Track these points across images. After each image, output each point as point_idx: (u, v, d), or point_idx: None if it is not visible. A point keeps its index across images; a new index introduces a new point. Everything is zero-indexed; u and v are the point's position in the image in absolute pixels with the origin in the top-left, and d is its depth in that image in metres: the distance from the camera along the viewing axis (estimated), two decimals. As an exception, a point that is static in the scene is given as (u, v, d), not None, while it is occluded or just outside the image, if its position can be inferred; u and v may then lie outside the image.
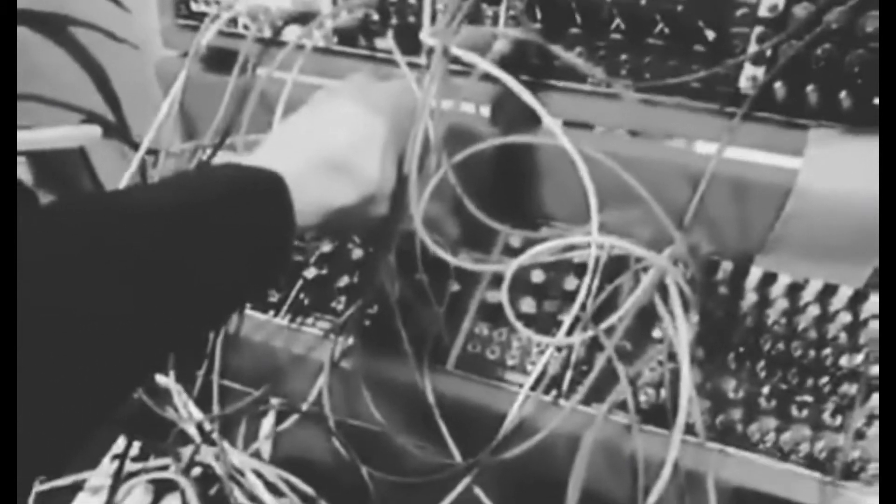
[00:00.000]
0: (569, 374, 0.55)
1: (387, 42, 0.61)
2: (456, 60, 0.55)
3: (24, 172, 0.97)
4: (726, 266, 0.59)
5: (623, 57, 0.56)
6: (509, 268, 0.49)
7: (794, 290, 0.57)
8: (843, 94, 0.51)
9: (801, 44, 0.50)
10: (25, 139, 0.90)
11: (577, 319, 0.55)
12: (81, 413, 0.30)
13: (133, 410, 0.62)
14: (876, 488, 0.48)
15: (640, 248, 0.51)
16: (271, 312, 0.61)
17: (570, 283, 0.59)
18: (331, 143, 0.46)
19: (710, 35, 0.52)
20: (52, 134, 0.95)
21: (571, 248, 0.56)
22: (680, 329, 0.48)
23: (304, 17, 0.63)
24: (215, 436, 0.56)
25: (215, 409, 0.55)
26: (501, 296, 0.52)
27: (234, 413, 0.57)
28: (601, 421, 0.49)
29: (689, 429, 0.49)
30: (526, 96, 0.49)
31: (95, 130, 0.99)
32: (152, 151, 0.68)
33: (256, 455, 0.65)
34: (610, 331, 0.52)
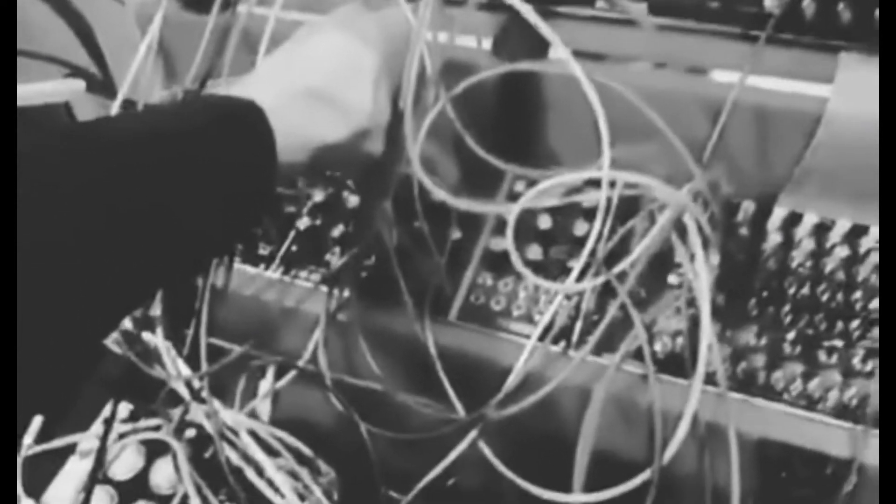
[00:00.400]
0: (579, 324, 0.52)
1: (377, -30, 0.57)
2: (454, -12, 0.51)
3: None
4: (748, 206, 0.55)
5: (635, -22, 0.51)
6: (514, 209, 0.45)
7: (821, 230, 0.53)
8: (877, 11, 0.46)
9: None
10: (7, 95, 0.86)
11: (587, 265, 0.51)
12: (71, 345, 0.30)
13: (121, 371, 0.59)
14: (911, 438, 0.45)
15: (659, 183, 0.48)
16: (262, 266, 0.58)
17: (579, 227, 0.56)
18: (315, 74, 0.42)
19: (732, -51, 0.47)
20: (36, 89, 0.91)
21: (580, 190, 0.52)
22: (700, 271, 0.45)
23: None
24: (205, 394, 0.53)
25: (203, 366, 0.52)
26: (506, 241, 0.49)
27: (224, 369, 0.54)
28: (613, 371, 0.46)
29: (709, 378, 0.45)
30: (533, 18, 0.45)
31: (79, 84, 0.94)
32: (132, 103, 0.64)
33: (253, 414, 0.63)
34: (623, 276, 0.48)
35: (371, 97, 0.43)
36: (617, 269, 0.47)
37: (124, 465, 0.61)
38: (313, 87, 0.41)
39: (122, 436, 0.58)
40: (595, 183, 0.48)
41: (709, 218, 0.48)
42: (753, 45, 0.49)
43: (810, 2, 0.47)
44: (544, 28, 0.44)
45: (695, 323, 0.46)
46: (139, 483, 0.61)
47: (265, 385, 0.65)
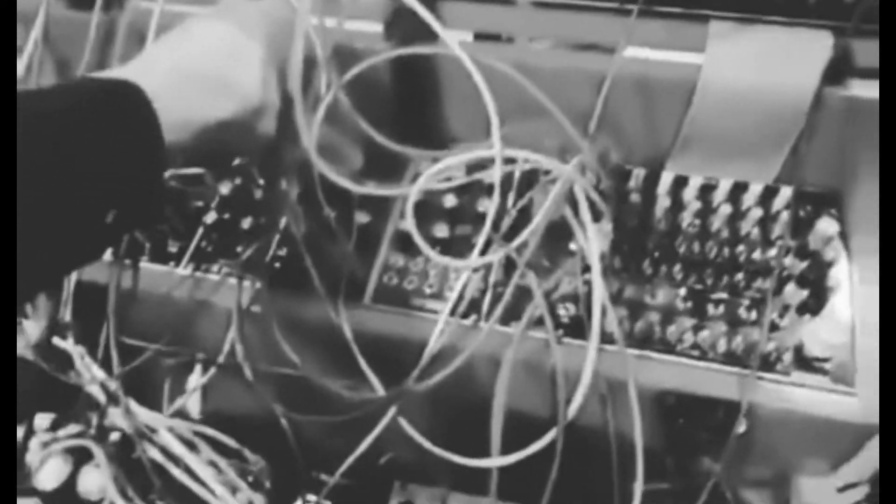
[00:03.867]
0: (488, 297, 0.54)
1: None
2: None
3: None
4: (638, 173, 0.58)
5: (516, -42, 0.53)
6: (412, 191, 0.47)
7: (706, 190, 0.57)
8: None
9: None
10: None
11: (491, 240, 0.53)
12: None
13: (35, 381, 0.58)
14: (793, 377, 0.49)
15: (545, 158, 0.50)
16: (172, 263, 0.58)
17: (482, 204, 0.58)
18: (201, 56, 0.42)
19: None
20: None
21: (481, 167, 0.54)
22: (591, 239, 0.47)
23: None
24: (120, 395, 0.53)
25: (116, 368, 0.52)
26: (408, 222, 0.50)
27: (149, 371, 0.54)
28: (518, 339, 0.48)
29: (608, 338, 0.48)
30: (416, 6, 0.46)
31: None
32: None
33: (182, 413, 0.63)
34: (525, 247, 0.50)
35: (259, 77, 0.43)
36: (515, 242, 0.49)
37: (50, 474, 0.60)
38: (198, 69, 0.41)
39: (45, 444, 0.58)
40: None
41: (599, 189, 0.50)
42: (628, 19, 0.51)
43: (679, -26, 0.50)
44: (425, 14, 0.45)
45: (592, 287, 0.48)
46: (67, 491, 0.61)
47: (192, 382, 0.65)
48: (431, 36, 0.55)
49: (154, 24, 0.53)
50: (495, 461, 0.48)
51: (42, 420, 0.61)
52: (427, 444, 0.51)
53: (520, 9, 0.52)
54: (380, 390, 0.52)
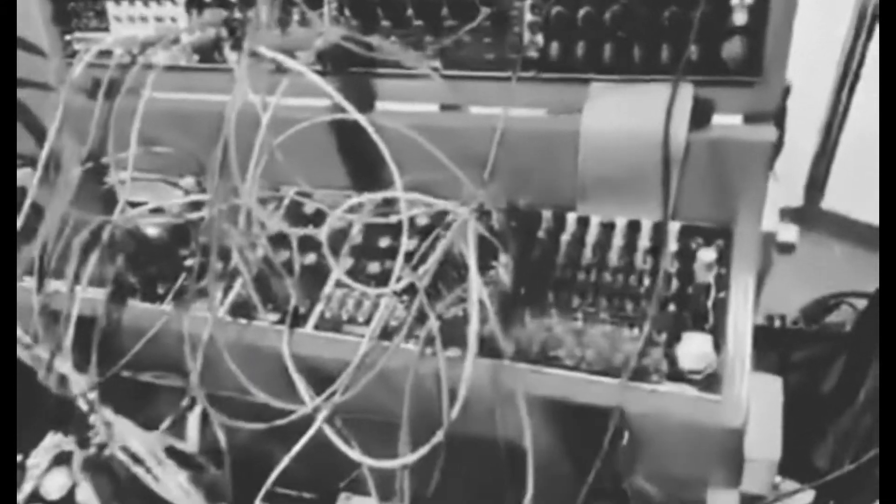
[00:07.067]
0: (409, 320, 0.62)
1: (233, 55, 0.69)
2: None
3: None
4: (547, 215, 0.65)
5: (428, 39, 0.63)
6: (323, 231, 0.57)
7: (606, 228, 0.64)
8: (606, 46, 0.58)
9: (563, 9, 0.57)
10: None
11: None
12: None
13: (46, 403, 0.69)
14: (664, 386, 0.54)
15: (445, 202, 0.59)
16: (158, 302, 0.69)
17: (411, 244, 0.66)
18: None
19: (487, 11, 0.60)
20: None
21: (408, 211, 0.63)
22: (472, 273, 0.55)
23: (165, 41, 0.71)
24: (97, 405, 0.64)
25: (93, 379, 0.63)
26: (327, 256, 0.60)
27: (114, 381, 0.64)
28: (418, 355, 0.56)
29: (497, 354, 0.56)
30: (323, 86, 0.57)
31: (29, 172, 1.09)
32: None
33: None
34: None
35: None
36: (418, 272, 0.58)
37: (54, 485, 0.71)
38: None
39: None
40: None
41: (497, 227, 0.59)
42: (521, 83, 0.61)
43: (556, 45, 0.59)
44: (330, 91, 0.56)
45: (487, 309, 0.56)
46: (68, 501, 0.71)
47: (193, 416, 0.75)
48: (366, 106, 0.66)
49: (140, 108, 0.66)
50: (403, 461, 0.55)
51: (51, 438, 0.72)
52: (348, 451, 0.59)
53: (434, 81, 0.62)
54: (309, 403, 0.60)
